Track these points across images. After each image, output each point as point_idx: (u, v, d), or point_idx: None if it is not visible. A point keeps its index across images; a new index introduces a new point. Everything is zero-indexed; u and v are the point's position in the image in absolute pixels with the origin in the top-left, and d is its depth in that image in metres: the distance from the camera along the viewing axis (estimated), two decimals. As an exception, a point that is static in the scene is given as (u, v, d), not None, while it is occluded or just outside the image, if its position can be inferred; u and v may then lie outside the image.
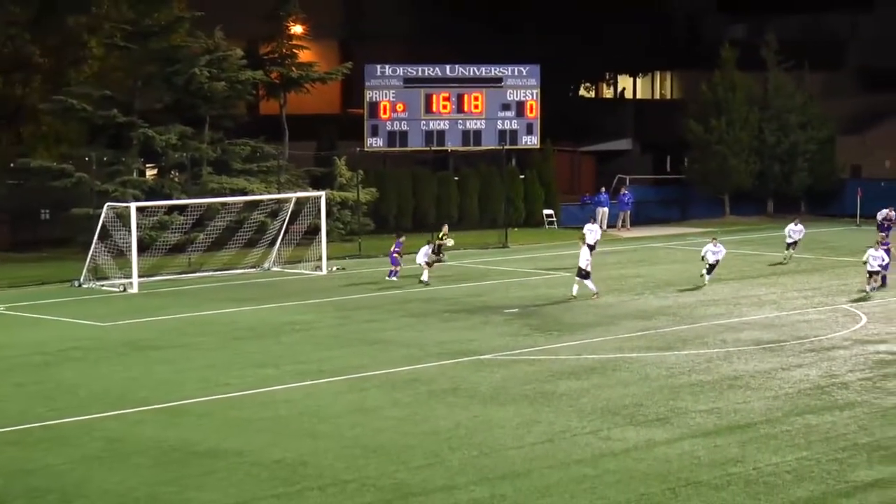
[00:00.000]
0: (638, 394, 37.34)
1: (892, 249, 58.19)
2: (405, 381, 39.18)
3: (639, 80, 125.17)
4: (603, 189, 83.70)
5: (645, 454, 31.41)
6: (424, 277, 57.03)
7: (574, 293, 53.08)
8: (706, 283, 56.85)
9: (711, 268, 57.72)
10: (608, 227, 79.33)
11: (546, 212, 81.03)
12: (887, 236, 62.19)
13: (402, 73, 77.60)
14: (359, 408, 35.89)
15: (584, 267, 52.80)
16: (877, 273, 53.53)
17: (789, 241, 63.81)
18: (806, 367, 41.00)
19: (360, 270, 62.76)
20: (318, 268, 61.54)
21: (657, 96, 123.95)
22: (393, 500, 27.80)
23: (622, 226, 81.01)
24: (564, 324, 48.34)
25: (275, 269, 62.09)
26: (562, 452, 31.49)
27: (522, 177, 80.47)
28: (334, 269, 62.03)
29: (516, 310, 51.36)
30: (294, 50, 75.53)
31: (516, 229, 75.54)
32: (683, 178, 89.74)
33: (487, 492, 28.38)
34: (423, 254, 58.04)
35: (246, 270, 61.51)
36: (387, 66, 77.98)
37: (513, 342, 44.92)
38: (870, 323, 48.35)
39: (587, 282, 53.12)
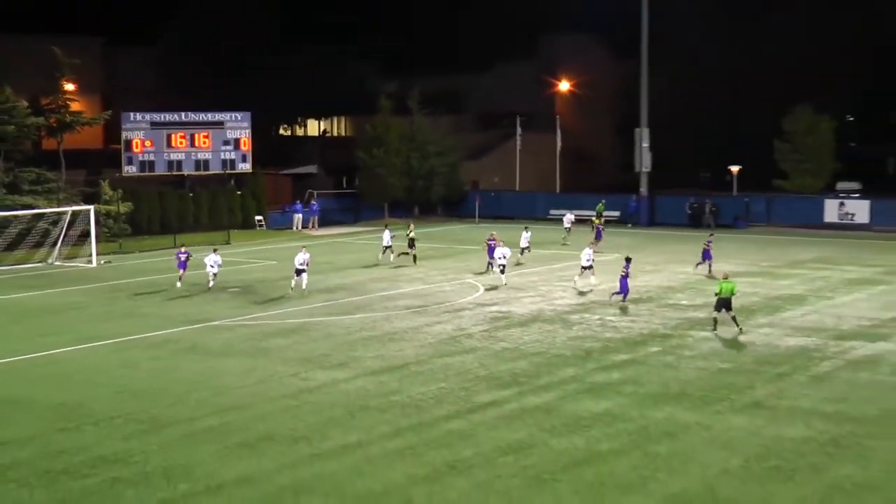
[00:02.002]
0: (325, 347, 37.45)
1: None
2: (158, 342, 38.66)
3: (322, 122, 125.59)
4: (298, 201, 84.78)
5: (331, 389, 31.63)
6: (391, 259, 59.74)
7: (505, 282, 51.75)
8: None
9: (524, 250, 59.31)
10: (302, 227, 79.79)
11: (257, 217, 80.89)
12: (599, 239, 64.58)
13: (149, 119, 76.45)
14: (123, 363, 35.31)
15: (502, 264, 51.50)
16: (589, 268, 50.03)
17: (524, 244, 59.97)
18: (443, 323, 41.62)
19: (122, 263, 61.59)
20: (90, 262, 60.35)
21: (336, 134, 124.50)
22: (150, 430, 27.54)
23: (312, 227, 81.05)
24: (272, 298, 48.13)
25: (56, 263, 60.57)
26: (272, 390, 31.49)
27: (239, 192, 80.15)
28: (102, 262, 60.82)
29: (238, 288, 50.96)
30: (67, 101, 73.78)
31: (236, 231, 75.00)
32: (355, 192, 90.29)
33: (219, 420, 28.34)
34: (388, 237, 60.32)
35: (34, 265, 59.87)
36: (137, 114, 76.71)
37: (236, 312, 44.61)
38: (486, 292, 49.29)
39: (502, 277, 51.30)
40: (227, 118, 78.64)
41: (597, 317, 42.88)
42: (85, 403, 30.06)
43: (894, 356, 35.69)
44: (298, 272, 48.79)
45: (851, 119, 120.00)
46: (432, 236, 74.08)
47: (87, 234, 61.97)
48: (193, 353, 36.75)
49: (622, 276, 45.86)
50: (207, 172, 78.90)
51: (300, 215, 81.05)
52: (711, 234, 57.92)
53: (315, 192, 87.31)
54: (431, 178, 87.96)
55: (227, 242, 69.60)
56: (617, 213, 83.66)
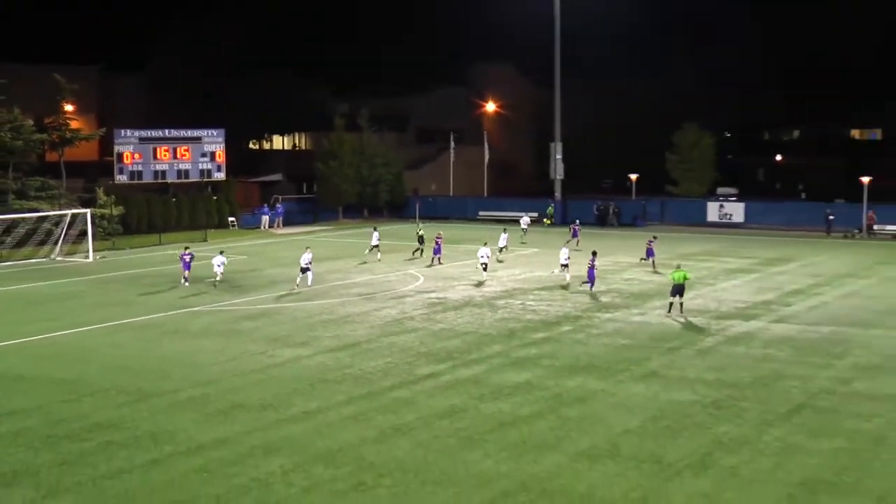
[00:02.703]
0: (289, 328, 37.26)
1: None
2: (144, 326, 38.25)
3: (286, 138, 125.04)
4: (265, 204, 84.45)
5: (294, 364, 31.49)
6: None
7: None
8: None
9: (502, 249, 58.05)
10: (269, 227, 79.25)
11: (230, 218, 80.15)
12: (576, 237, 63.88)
13: (138, 135, 75.81)
14: (115, 344, 34.92)
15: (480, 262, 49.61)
16: (566, 266, 47.64)
17: (502, 244, 58.24)
18: (389, 308, 41.54)
19: (115, 258, 60.67)
20: (87, 257, 59.53)
21: (298, 148, 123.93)
22: (139, 400, 27.31)
23: (277, 226, 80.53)
24: (244, 287, 47.76)
25: (58, 259, 59.63)
26: (243, 366, 31.32)
27: (215, 198, 79.35)
28: (98, 258, 60.00)
29: (213, 279, 50.48)
30: (67, 120, 72.90)
31: (212, 230, 74.33)
32: (314, 197, 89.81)
33: (198, 392, 28.18)
34: (376, 238, 59.01)
35: (39, 260, 58.95)
36: (128, 130, 76.01)
37: (213, 299, 44.20)
38: (426, 281, 49.26)
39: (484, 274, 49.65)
40: (204, 134, 78.10)
41: (519, 302, 43.01)
42: (82, 378, 29.71)
43: (764, 332, 36.12)
44: (303, 270, 46.80)
45: (729, 135, 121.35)
46: (381, 234, 73.83)
47: (84, 234, 61.23)
48: (175, 335, 36.40)
49: (589, 267, 45.69)
50: (188, 180, 78.46)
51: (267, 217, 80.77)
52: (654, 236, 56.87)
53: (280, 197, 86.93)
54: (378, 185, 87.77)
55: (205, 240, 69.01)
56: (535, 214, 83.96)
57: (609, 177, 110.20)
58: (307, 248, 49.53)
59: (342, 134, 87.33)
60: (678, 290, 39.45)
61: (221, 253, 50.14)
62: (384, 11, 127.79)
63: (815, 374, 29.95)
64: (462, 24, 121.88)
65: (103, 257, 60.88)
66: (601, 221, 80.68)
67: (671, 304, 39.77)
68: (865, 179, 71.16)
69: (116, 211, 69.43)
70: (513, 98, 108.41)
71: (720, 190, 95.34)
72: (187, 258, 48.62)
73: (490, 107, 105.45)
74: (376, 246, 58.80)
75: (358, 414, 25.90)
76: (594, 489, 20.59)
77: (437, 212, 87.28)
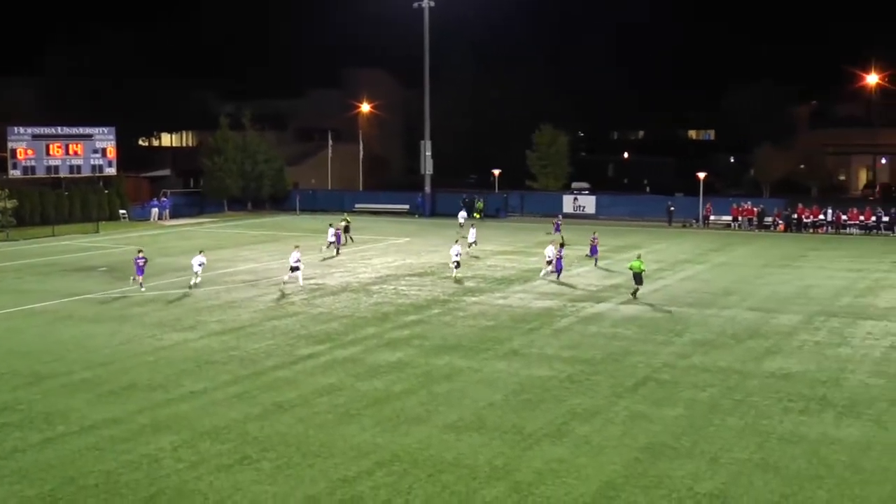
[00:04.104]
0: (177, 313, 36.64)
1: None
2: (39, 312, 37.17)
3: (174, 136, 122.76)
4: (154, 198, 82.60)
5: (182, 347, 31.00)
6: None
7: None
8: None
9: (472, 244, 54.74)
10: (158, 219, 77.67)
11: (121, 211, 78.11)
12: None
13: (31, 132, 73.06)
14: (9, 330, 33.89)
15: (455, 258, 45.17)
16: (550, 262, 45.45)
17: (473, 239, 55.37)
18: (271, 294, 41.26)
19: (8, 249, 58.68)
20: (-18, 248, 57.45)
21: (185, 145, 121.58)
22: (33, 383, 26.60)
23: (165, 218, 78.87)
24: (134, 275, 46.58)
25: (-47, 249, 57.50)
26: (134, 349, 30.71)
27: (106, 191, 77.29)
28: (-8, 248, 58.04)
29: (105, 268, 49.25)
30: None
31: (104, 222, 72.37)
32: (201, 191, 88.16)
33: (91, 374, 27.50)
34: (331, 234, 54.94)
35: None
36: (21, 127, 73.35)
37: (105, 287, 43.08)
38: (306, 268, 48.66)
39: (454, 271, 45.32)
40: (96, 132, 75.79)
41: (392, 287, 42.99)
42: (-22, 363, 28.69)
43: (613, 313, 36.86)
44: (293, 269, 42.85)
45: (582, 134, 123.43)
46: (264, 225, 73.11)
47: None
48: (69, 321, 35.38)
49: (557, 258, 45.07)
50: (80, 175, 76.10)
51: (156, 209, 79.19)
52: (595, 232, 53.97)
53: (168, 191, 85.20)
54: (261, 179, 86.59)
55: (97, 232, 67.33)
56: (406, 206, 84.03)
57: (474, 172, 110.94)
58: (296, 246, 45.00)
59: (227, 132, 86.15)
60: (636, 278, 40.02)
61: (201, 252, 44.57)
62: (260, 23, 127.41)
63: (658, 350, 30.68)
64: (338, 31, 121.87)
65: (-3, 248, 58.90)
66: (467, 213, 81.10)
67: (635, 291, 40.08)
68: (701, 175, 73.20)
69: (10, 204, 67.15)
70: (384, 99, 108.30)
71: (574, 184, 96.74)
72: (140, 262, 42.57)
73: (364, 107, 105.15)
74: (332, 242, 54.96)
75: (242, 393, 25.58)
76: (461, 458, 20.73)
77: (317, 205, 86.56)
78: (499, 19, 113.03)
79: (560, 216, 70.01)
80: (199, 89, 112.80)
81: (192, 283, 42.80)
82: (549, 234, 59.01)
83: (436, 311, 37.30)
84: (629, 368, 28.24)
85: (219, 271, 47.91)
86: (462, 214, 69.47)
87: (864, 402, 24.92)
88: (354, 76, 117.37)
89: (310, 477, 19.69)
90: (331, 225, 56.85)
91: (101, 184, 77.70)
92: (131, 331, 33.48)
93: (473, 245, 55.39)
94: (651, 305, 38.51)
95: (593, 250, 51.15)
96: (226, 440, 21.82)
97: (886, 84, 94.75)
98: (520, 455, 20.90)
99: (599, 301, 39.42)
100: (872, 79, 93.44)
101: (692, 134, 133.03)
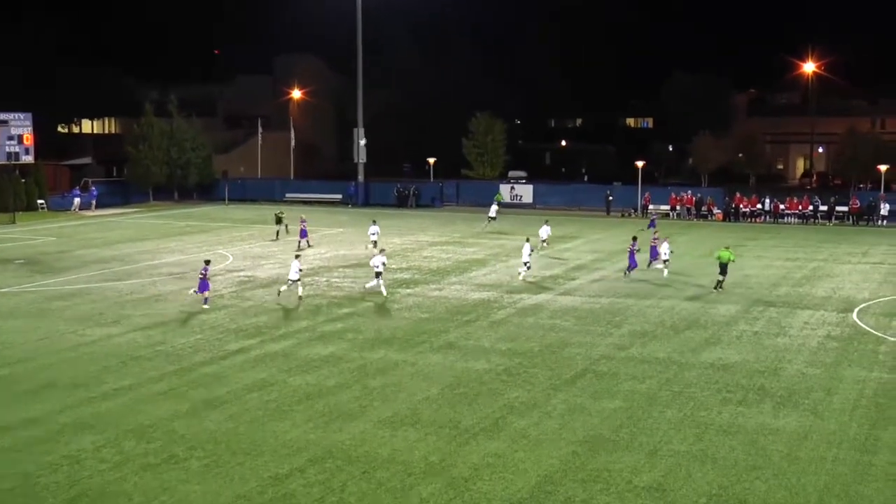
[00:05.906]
0: (100, 307, 36.10)
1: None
2: (-48, 308, 36.26)
3: (95, 122, 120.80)
4: (76, 187, 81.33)
5: (106, 342, 30.60)
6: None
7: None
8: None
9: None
10: (80, 209, 76.40)
11: (39, 201, 76.75)
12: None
13: (-58, 118, 71.45)
14: (-78, 326, 32.96)
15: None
16: (527, 264, 42.58)
17: (543, 236, 52.04)
18: (173, 284, 40.62)
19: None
20: None
21: (107, 132, 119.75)
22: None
23: (92, 209, 77.67)
24: (55, 268, 45.85)
25: None
26: (54, 345, 30.24)
27: (24, 180, 75.82)
28: None
29: (23, 260, 48.32)
30: None
31: (21, 213, 70.99)
32: (125, 179, 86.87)
33: (7, 371, 27.20)
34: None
35: None
36: (-68, 114, 71.69)
37: (21, 280, 42.30)
38: (235, 261, 48.44)
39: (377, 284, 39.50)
40: (11, 118, 74.07)
41: (324, 279, 42.79)
42: None
43: (551, 304, 37.08)
44: (293, 281, 37.67)
45: (519, 122, 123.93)
46: (190, 216, 72.27)
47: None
48: (-15, 316, 34.71)
49: (631, 251, 44.04)
50: (-5, 163, 74.60)
51: (79, 199, 77.80)
52: (656, 232, 48.99)
53: (91, 181, 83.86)
54: (188, 167, 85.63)
55: (13, 223, 66.11)
56: (339, 196, 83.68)
57: (409, 161, 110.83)
58: (296, 256, 40.62)
59: (152, 119, 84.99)
60: (722, 269, 40.22)
61: (297, 258, 39.53)
62: (189, 7, 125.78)
63: (596, 341, 30.93)
64: (270, 16, 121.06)
65: None
66: (401, 202, 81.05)
67: (719, 281, 40.20)
68: (640, 164, 73.92)
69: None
70: (316, 86, 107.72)
71: (511, 173, 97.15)
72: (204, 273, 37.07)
73: (296, 94, 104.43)
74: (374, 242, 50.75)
75: (169, 389, 25.30)
76: (396, 454, 20.71)
77: (246, 194, 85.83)
78: (436, 5, 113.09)
79: (656, 214, 69.27)
80: (123, 74, 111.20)
81: (300, 294, 37.83)
82: (643, 230, 53.97)
83: (370, 303, 37.21)
84: (567, 360, 28.44)
85: (144, 264, 47.28)
86: (494, 208, 64.37)
87: (801, 391, 25.39)
88: (286, 62, 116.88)
89: (240, 475, 19.54)
90: (374, 222, 53.29)
91: (17, 172, 76.11)
92: (51, 326, 32.91)
93: (545, 243, 52.17)
94: (589, 296, 38.81)
95: (653, 252, 45.93)
96: (152, 439, 21.56)
97: (823, 73, 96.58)
98: (456, 450, 20.94)
99: (537, 292, 39.63)
100: (809, 67, 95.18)
101: (630, 122, 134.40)
